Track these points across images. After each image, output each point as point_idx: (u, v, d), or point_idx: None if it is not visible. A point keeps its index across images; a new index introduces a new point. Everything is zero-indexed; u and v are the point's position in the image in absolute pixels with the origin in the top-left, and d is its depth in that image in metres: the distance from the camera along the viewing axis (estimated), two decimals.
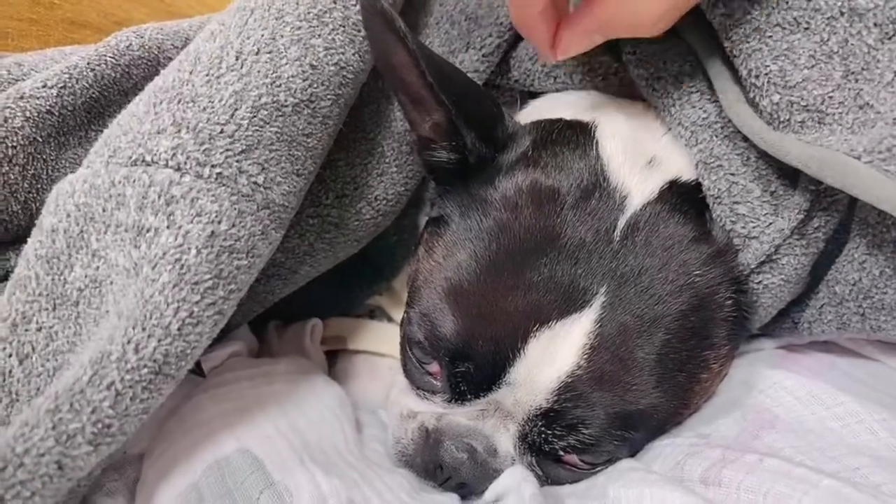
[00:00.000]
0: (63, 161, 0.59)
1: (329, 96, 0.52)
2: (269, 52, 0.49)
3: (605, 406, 0.49)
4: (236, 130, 0.47)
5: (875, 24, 0.41)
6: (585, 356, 0.49)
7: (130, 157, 0.45)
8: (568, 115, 0.59)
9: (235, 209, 0.46)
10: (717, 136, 0.52)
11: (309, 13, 0.51)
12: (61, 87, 0.57)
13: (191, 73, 0.48)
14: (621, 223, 0.51)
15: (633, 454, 0.55)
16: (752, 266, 0.52)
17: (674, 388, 0.51)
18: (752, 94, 0.48)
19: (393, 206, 0.63)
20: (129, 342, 0.40)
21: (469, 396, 0.53)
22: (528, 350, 0.49)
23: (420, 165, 0.63)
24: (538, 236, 0.51)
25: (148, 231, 0.44)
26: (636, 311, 0.49)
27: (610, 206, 0.52)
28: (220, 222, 0.44)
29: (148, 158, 0.45)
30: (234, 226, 0.45)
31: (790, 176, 0.51)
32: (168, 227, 0.44)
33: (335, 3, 0.52)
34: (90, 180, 0.46)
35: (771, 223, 0.51)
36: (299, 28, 0.50)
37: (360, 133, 0.60)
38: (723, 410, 0.55)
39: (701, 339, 0.52)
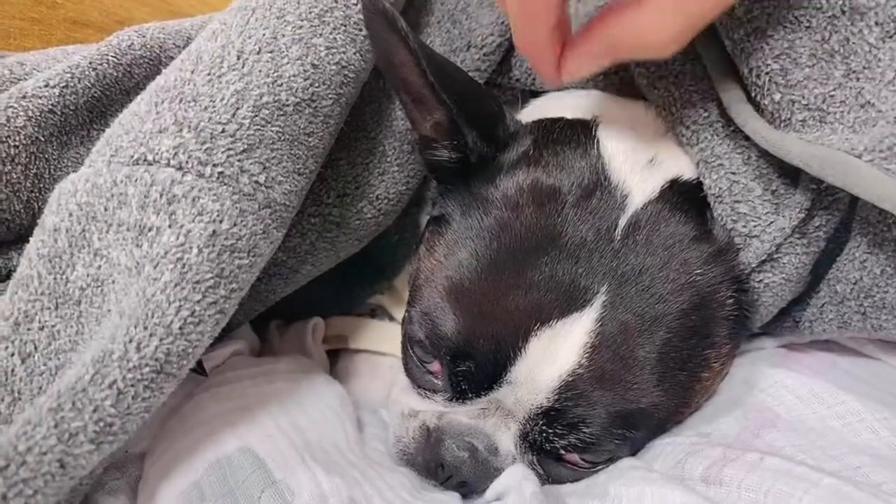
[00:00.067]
0: (65, 160, 0.59)
1: (330, 95, 0.52)
2: (271, 52, 0.49)
3: (606, 405, 0.49)
4: (238, 130, 0.47)
5: (876, 23, 0.41)
6: (586, 355, 0.49)
7: (132, 157, 0.45)
8: (569, 115, 0.59)
9: (237, 208, 0.46)
10: (718, 136, 0.52)
11: (310, 12, 0.51)
12: (63, 87, 0.57)
13: (192, 72, 0.48)
14: (622, 222, 0.51)
15: (634, 453, 0.55)
16: (753, 265, 0.52)
17: (675, 387, 0.51)
18: (753, 93, 0.48)
19: (394, 205, 0.63)
20: (130, 341, 0.40)
21: (470, 395, 0.53)
22: (529, 349, 0.49)
23: (421, 164, 0.63)
24: (539, 235, 0.51)
25: (150, 230, 0.44)
26: (637, 310, 0.49)
27: (611, 205, 0.52)
28: (221, 221, 0.45)
29: (150, 158, 0.45)
30: (235, 225, 0.45)
31: (791, 175, 0.51)
32: (170, 227, 0.44)
33: (336, 2, 0.52)
34: (92, 179, 0.46)
35: (772, 222, 0.51)
36: (300, 27, 0.50)
37: (362, 132, 0.60)
38: (724, 409, 0.55)
39: (702, 337, 0.52)
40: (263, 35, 0.50)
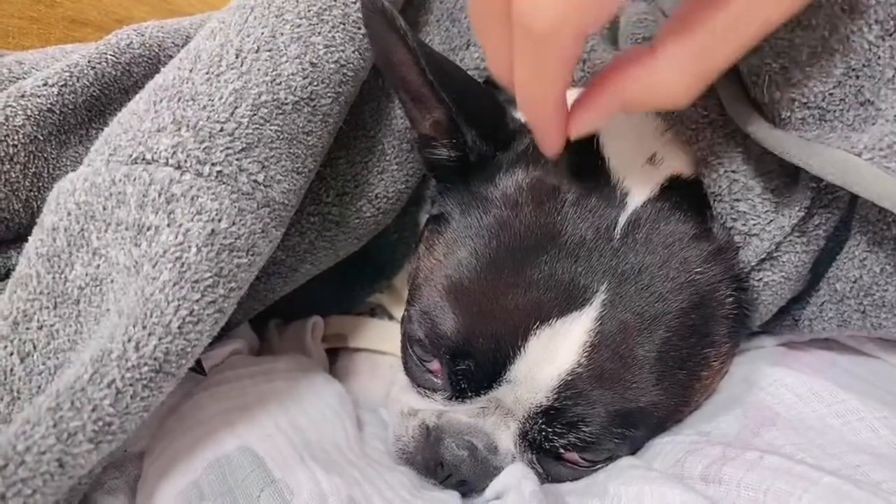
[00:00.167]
0: (64, 159, 0.59)
1: (329, 94, 0.52)
2: (269, 50, 0.49)
3: (606, 404, 0.49)
4: (236, 128, 0.47)
5: (875, 21, 0.40)
6: (586, 354, 0.49)
7: (131, 156, 0.45)
8: None
9: (235, 207, 0.46)
10: (717, 134, 0.52)
11: (309, 11, 0.51)
12: (62, 86, 0.57)
13: (191, 71, 0.48)
14: (622, 221, 0.51)
15: (633, 452, 0.55)
16: (753, 263, 0.52)
17: (674, 386, 0.51)
18: (752, 92, 0.48)
19: (393, 203, 0.63)
20: (129, 340, 0.40)
21: (470, 394, 0.53)
22: (528, 348, 0.49)
23: (421, 163, 0.63)
24: (539, 234, 0.51)
25: (148, 229, 0.44)
26: (637, 309, 0.49)
27: (610, 204, 0.52)
28: (220, 220, 0.45)
29: (148, 157, 0.45)
30: (234, 224, 0.45)
31: (791, 173, 0.51)
32: (168, 226, 0.44)
33: (335, 0, 0.52)
34: (91, 178, 0.46)
35: (772, 220, 0.51)
36: (299, 26, 0.50)
37: (361, 131, 0.60)
38: (723, 408, 0.55)
39: (701, 336, 0.52)
40: (262, 34, 0.49)
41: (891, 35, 0.41)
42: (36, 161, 0.57)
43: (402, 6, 0.59)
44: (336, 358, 0.76)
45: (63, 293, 0.45)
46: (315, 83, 0.50)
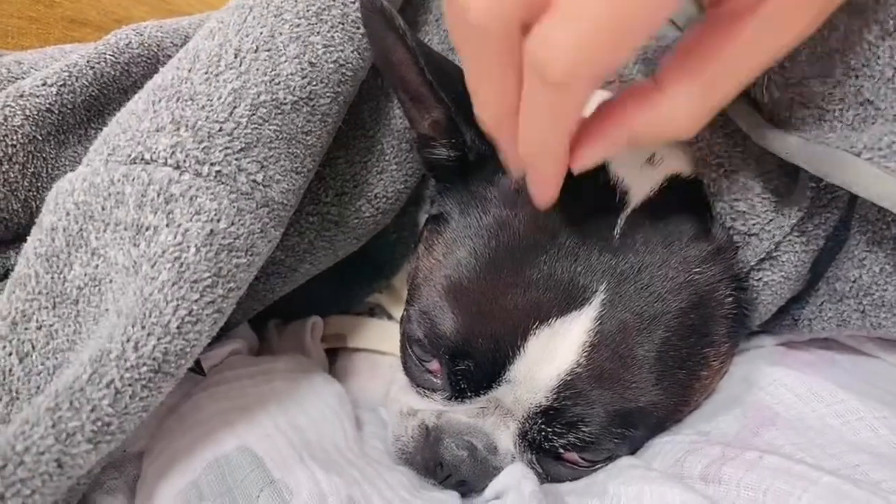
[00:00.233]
0: (63, 159, 0.59)
1: (328, 94, 0.52)
2: (268, 50, 0.49)
3: (605, 404, 0.49)
4: (235, 128, 0.47)
5: (875, 21, 0.40)
6: (585, 354, 0.49)
7: (129, 156, 0.45)
8: None
9: (234, 207, 0.46)
10: (717, 134, 0.52)
11: (308, 11, 0.51)
12: (61, 86, 0.57)
13: (190, 70, 0.48)
14: (621, 220, 0.51)
15: (633, 452, 0.55)
16: (752, 263, 0.52)
17: (674, 386, 0.51)
18: (752, 92, 0.48)
19: (392, 203, 0.63)
20: (128, 340, 0.40)
21: (469, 394, 0.53)
22: (527, 348, 0.49)
23: (420, 163, 0.63)
24: (538, 233, 0.50)
25: (147, 229, 0.44)
26: (636, 309, 0.49)
27: (610, 203, 0.51)
28: (219, 220, 0.44)
29: (147, 157, 0.45)
30: (233, 224, 0.45)
31: (791, 173, 0.51)
32: (167, 226, 0.44)
33: (334, 0, 0.52)
34: (89, 178, 0.46)
35: (771, 220, 0.51)
36: (298, 26, 0.50)
37: (360, 131, 0.60)
38: (723, 407, 0.55)
39: (701, 336, 0.52)
40: (261, 33, 0.49)
41: (890, 35, 0.41)
42: (35, 161, 0.57)
43: (400, 6, 0.59)
44: (335, 358, 0.76)
45: (62, 293, 0.45)
46: (314, 83, 0.50)
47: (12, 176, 0.56)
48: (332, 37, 0.52)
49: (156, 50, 0.61)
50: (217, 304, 0.44)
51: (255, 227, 0.47)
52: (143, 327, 0.41)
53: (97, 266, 0.45)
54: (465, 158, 0.56)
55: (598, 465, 0.54)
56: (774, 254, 0.51)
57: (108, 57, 0.59)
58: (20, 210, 0.57)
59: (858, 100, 0.43)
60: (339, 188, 0.60)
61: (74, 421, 0.38)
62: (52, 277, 0.45)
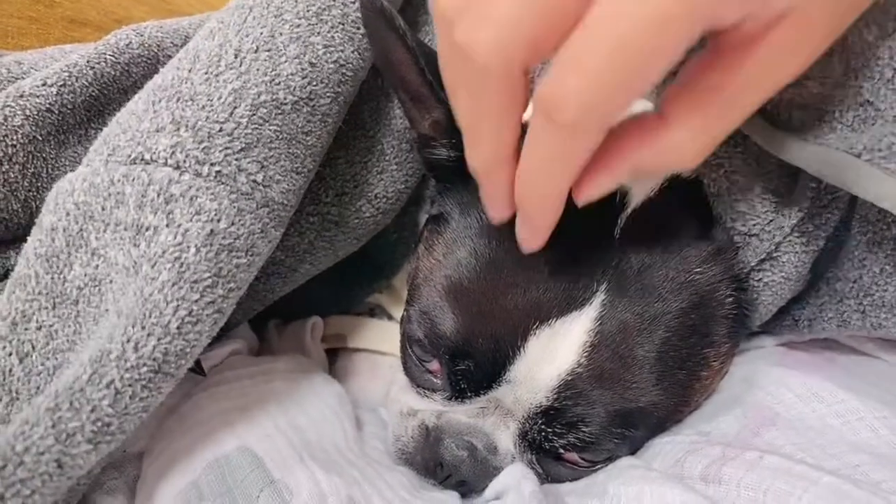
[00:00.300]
0: (63, 159, 0.59)
1: (328, 94, 0.52)
2: (268, 50, 0.49)
3: (606, 404, 0.49)
4: (235, 128, 0.47)
5: (874, 22, 0.40)
6: (585, 354, 0.49)
7: (129, 156, 0.45)
8: None
9: (234, 207, 0.46)
10: None
11: (308, 11, 0.51)
12: (61, 86, 0.57)
13: (190, 71, 0.48)
14: (621, 220, 0.51)
15: (633, 452, 0.55)
16: (753, 264, 0.52)
17: (674, 386, 0.51)
18: None
19: (393, 203, 0.63)
20: (128, 341, 0.40)
21: (469, 394, 0.53)
22: (528, 348, 0.49)
23: (420, 163, 0.62)
24: None
25: (147, 229, 0.44)
26: (636, 309, 0.49)
27: (610, 203, 0.51)
28: (219, 220, 0.44)
29: (147, 157, 0.45)
30: (233, 224, 0.45)
31: (791, 173, 0.51)
32: (167, 226, 0.44)
33: (334, 0, 0.52)
34: (89, 179, 0.46)
35: (771, 220, 0.51)
36: (298, 26, 0.50)
37: (360, 131, 0.60)
38: (723, 408, 0.55)
39: (701, 336, 0.52)
40: (261, 34, 0.49)
41: (890, 36, 0.41)
42: (35, 161, 0.57)
43: (400, 6, 0.59)
44: (335, 358, 0.76)
45: (62, 293, 0.45)
46: (314, 83, 0.50)
47: (12, 176, 0.56)
48: (333, 37, 0.52)
49: (156, 50, 0.61)
50: (217, 305, 0.44)
51: (255, 228, 0.47)
52: (143, 328, 0.41)
53: (97, 266, 0.45)
54: (465, 158, 0.56)
55: (598, 466, 0.54)
56: (775, 254, 0.51)
57: (108, 57, 0.59)
58: (20, 210, 0.57)
59: (858, 101, 0.43)
60: (339, 188, 0.60)
61: (74, 421, 0.38)
62: (52, 278, 0.45)
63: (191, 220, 0.44)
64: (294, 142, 0.50)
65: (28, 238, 0.47)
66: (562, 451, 0.53)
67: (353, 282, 0.73)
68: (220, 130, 0.46)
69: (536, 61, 0.33)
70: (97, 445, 0.39)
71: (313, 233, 0.60)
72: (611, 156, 0.38)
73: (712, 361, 0.54)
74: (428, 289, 0.54)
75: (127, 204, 0.44)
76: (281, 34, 0.50)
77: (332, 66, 0.51)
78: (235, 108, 0.47)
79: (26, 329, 0.44)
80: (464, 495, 0.56)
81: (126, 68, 0.60)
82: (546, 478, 0.56)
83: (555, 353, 0.49)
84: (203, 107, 0.46)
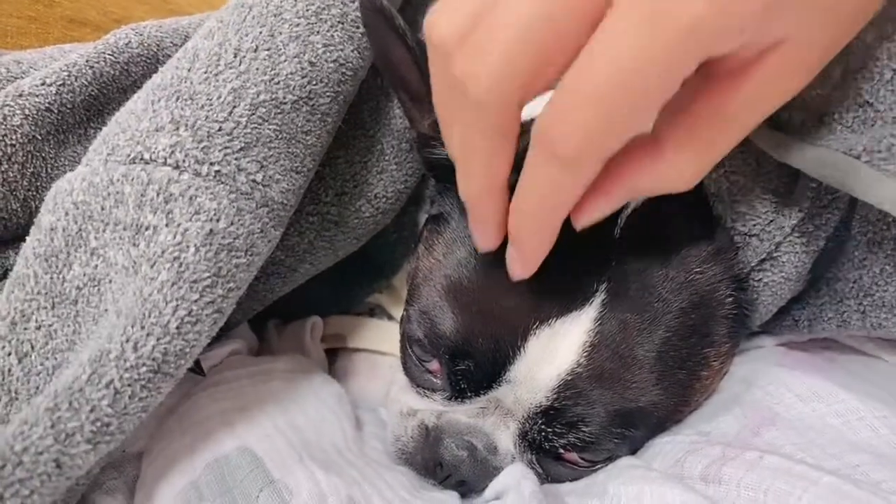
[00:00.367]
0: (62, 159, 0.59)
1: (328, 93, 0.52)
2: (268, 50, 0.49)
3: (606, 404, 0.49)
4: (235, 128, 0.46)
5: (873, 24, 0.40)
6: (585, 354, 0.49)
7: (129, 155, 0.45)
8: None
9: (234, 207, 0.46)
10: None
11: (307, 10, 0.51)
12: (60, 85, 0.57)
13: (189, 70, 0.48)
14: (621, 220, 0.51)
15: (633, 452, 0.55)
16: (753, 264, 0.52)
17: (674, 386, 0.51)
18: None
19: (393, 203, 0.63)
20: (127, 341, 0.40)
21: (469, 394, 0.53)
22: (528, 348, 0.49)
23: (420, 163, 0.62)
24: None
25: (146, 229, 0.44)
26: (636, 309, 0.49)
27: None
28: (218, 220, 0.44)
29: (146, 156, 0.45)
30: (232, 224, 0.45)
31: (791, 174, 0.50)
32: (167, 226, 0.43)
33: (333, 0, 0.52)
34: (89, 178, 0.46)
35: (771, 221, 0.51)
36: (298, 25, 0.50)
37: (360, 130, 0.60)
38: (723, 408, 0.55)
39: (701, 336, 0.52)
40: (260, 33, 0.49)
41: (889, 37, 0.41)
42: (34, 161, 0.57)
43: (400, 5, 0.59)
44: (335, 358, 0.76)
45: (61, 293, 0.45)
46: (314, 82, 0.50)
47: (11, 176, 0.56)
48: (332, 36, 0.52)
49: (155, 50, 0.61)
50: (217, 304, 0.44)
51: (254, 227, 0.47)
52: (143, 327, 0.41)
53: (96, 266, 0.45)
54: None
55: (599, 466, 0.54)
56: (775, 254, 0.51)
57: (107, 56, 0.59)
58: (19, 210, 0.57)
59: (857, 102, 0.43)
60: (339, 188, 0.60)
61: (73, 421, 0.38)
62: (52, 277, 0.45)
63: (190, 220, 0.44)
64: (293, 141, 0.50)
65: (27, 238, 0.47)
66: (562, 451, 0.53)
67: (352, 282, 0.73)
68: (220, 130, 0.46)
69: (532, 96, 0.34)
70: (96, 445, 0.39)
71: (313, 233, 0.60)
72: (609, 182, 0.38)
73: (712, 361, 0.54)
74: (428, 289, 0.54)
75: (126, 203, 0.44)
76: (280, 33, 0.50)
77: (331, 65, 0.51)
78: (235, 107, 0.47)
79: (25, 329, 0.44)
80: (464, 495, 0.56)
81: (125, 68, 0.60)
82: (546, 478, 0.56)
83: (555, 352, 0.49)
84: (202, 106, 0.46)
